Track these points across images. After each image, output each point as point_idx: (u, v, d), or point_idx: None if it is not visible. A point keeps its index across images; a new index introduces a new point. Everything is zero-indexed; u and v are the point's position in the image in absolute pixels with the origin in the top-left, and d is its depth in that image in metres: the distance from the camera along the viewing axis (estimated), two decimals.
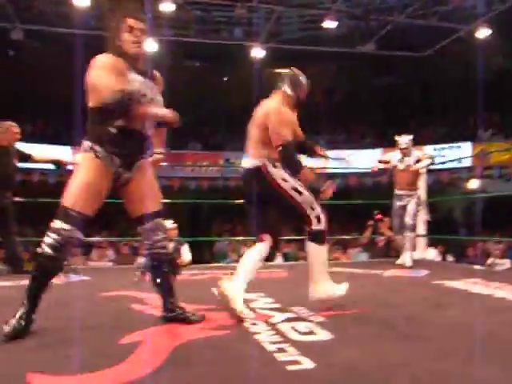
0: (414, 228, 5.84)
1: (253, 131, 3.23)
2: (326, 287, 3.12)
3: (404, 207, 5.85)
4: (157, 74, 2.94)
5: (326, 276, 3.14)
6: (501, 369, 1.97)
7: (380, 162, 6.14)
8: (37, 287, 2.53)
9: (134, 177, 2.72)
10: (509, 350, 2.24)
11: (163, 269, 2.81)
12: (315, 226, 3.11)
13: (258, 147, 3.15)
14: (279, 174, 3.07)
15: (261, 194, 3.09)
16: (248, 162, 3.20)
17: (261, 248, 3.10)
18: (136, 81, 2.63)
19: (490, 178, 14.41)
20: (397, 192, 5.96)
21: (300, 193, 3.06)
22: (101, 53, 2.70)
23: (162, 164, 3.12)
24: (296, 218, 3.13)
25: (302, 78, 3.57)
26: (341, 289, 3.17)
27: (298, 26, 16.07)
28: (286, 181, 3.06)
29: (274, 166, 3.08)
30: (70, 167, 9.26)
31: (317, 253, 3.13)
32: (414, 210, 5.79)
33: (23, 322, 2.46)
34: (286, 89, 3.41)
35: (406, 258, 5.75)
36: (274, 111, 3.16)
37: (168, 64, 15.01)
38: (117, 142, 2.61)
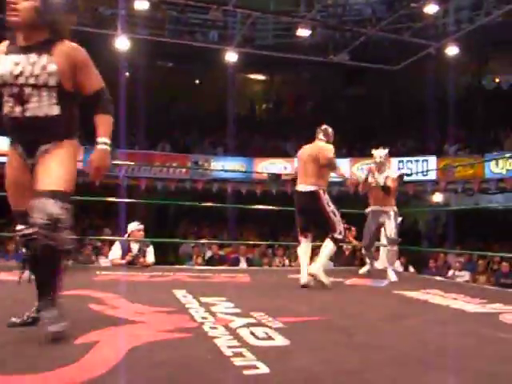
0: (396, 242, 5.65)
1: (309, 166, 4.77)
2: (322, 272, 4.55)
3: (379, 223, 5.73)
4: (65, 44, 2.55)
5: (326, 265, 4.80)
6: (455, 376, 2.02)
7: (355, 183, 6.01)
8: None
9: (37, 162, 2.46)
10: (462, 358, 2.29)
11: (37, 261, 2.45)
12: (337, 235, 4.67)
13: (314, 178, 4.73)
14: (326, 199, 4.70)
15: (312, 209, 4.72)
16: (305, 187, 4.75)
17: (308, 244, 4.88)
18: (6, 62, 2.41)
19: (454, 192, 14.74)
20: (372, 208, 5.83)
21: (335, 214, 4.70)
22: None
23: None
24: (327, 227, 4.68)
25: (330, 130, 5.22)
26: (329, 280, 4.54)
27: (273, 33, 16.17)
28: (329, 205, 4.68)
29: (324, 193, 4.71)
30: (2, 159, 9.05)
31: (330, 249, 4.69)
32: (395, 224, 5.63)
33: None
34: (322, 137, 5.08)
35: (390, 274, 5.50)
36: (328, 149, 4.87)
37: (141, 63, 14.92)
38: (9, 129, 2.48)
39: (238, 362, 2.07)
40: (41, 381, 1.82)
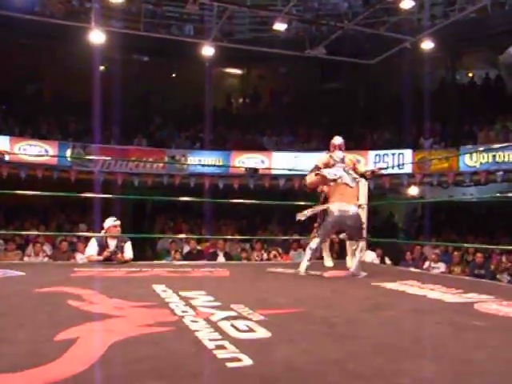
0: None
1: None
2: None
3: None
4: None
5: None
6: (431, 362, 2.07)
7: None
8: None
9: None
10: (440, 346, 2.34)
11: None
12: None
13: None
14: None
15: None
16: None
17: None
18: None
19: (430, 185, 14.94)
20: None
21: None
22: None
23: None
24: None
25: (332, 141, 5.65)
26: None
27: (249, 27, 16.13)
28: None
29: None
30: (7, 158, 8.94)
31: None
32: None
33: None
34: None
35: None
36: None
37: (116, 57, 14.74)
38: None
39: (220, 354, 2.07)
40: (24, 379, 1.79)
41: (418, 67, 15.08)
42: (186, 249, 10.86)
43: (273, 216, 14.98)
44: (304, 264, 5.15)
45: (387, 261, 10.19)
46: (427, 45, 13.04)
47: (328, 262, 6.01)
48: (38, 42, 12.99)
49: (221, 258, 9.72)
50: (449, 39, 13.78)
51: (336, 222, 5.16)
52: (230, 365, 1.94)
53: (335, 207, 5.11)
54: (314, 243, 5.22)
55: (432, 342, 2.44)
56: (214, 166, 14.12)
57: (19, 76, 11.98)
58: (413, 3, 12.21)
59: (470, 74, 18.20)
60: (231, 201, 7.89)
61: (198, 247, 10.83)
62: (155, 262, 7.84)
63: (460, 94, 16.15)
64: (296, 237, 11.24)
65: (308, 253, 5.22)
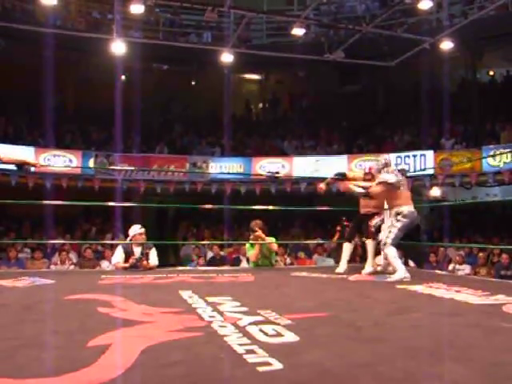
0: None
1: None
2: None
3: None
4: None
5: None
6: (461, 365, 2.06)
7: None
8: None
9: None
10: (469, 349, 2.33)
11: None
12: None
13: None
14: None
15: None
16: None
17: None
18: None
19: (452, 185, 14.78)
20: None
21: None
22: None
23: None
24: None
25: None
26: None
27: (267, 33, 16.19)
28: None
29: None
30: (33, 169, 9.11)
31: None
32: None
33: None
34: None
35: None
36: None
37: (136, 67, 14.92)
38: None
39: (250, 359, 2.10)
40: (64, 383, 1.84)
41: (437, 68, 14.93)
42: (210, 254, 10.92)
43: (295, 220, 14.97)
44: (402, 272, 4.98)
45: (411, 263, 10.09)
46: (447, 45, 12.92)
47: (342, 267, 5.89)
48: (61, 54, 13.22)
49: (244, 264, 9.75)
50: (468, 38, 13.63)
51: (411, 223, 5.18)
52: (260, 369, 1.97)
53: (409, 210, 5.13)
54: (392, 251, 5.09)
55: (461, 344, 2.43)
56: (237, 173, 14.19)
57: (42, 88, 12.25)
58: (431, 3, 12.11)
59: (491, 73, 17.99)
60: (253, 207, 7.90)
61: (222, 253, 10.88)
62: (180, 268, 7.91)
63: (481, 93, 15.95)
64: (319, 241, 11.23)
65: (396, 262, 5.08)
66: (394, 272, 5.43)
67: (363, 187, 5.55)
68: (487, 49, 15.75)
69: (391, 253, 5.08)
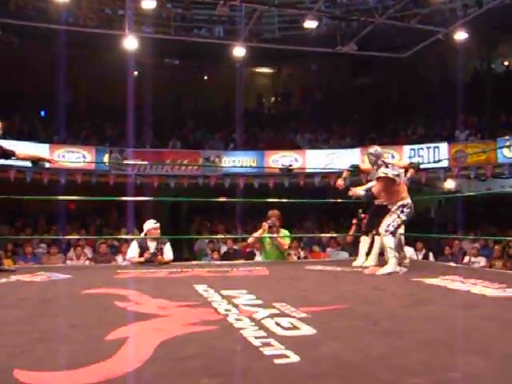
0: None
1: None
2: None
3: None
4: None
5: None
6: (478, 356, 2.05)
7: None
8: None
9: None
10: (485, 341, 2.32)
11: None
12: None
13: None
14: None
15: None
16: None
17: None
18: None
19: (467, 177, 14.65)
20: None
21: None
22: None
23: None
24: None
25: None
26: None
27: (279, 26, 16.12)
28: None
29: None
30: (47, 165, 9.22)
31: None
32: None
33: None
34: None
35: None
36: None
37: (148, 62, 14.97)
38: None
39: (267, 351, 2.11)
40: (84, 375, 1.87)
41: (450, 59, 14.77)
42: (224, 249, 10.94)
43: (309, 214, 14.94)
44: (393, 265, 4.94)
45: (431, 257, 10.04)
46: (460, 35, 12.76)
47: (360, 260, 5.89)
48: (73, 51, 13.30)
49: (258, 257, 9.75)
50: (483, 28, 13.46)
51: (412, 214, 5.18)
52: (277, 361, 1.98)
53: (410, 201, 5.15)
54: (391, 242, 5.02)
55: (478, 336, 2.42)
56: (250, 167, 14.19)
57: (56, 85, 12.35)
58: None
59: (506, 63, 17.75)
60: (266, 200, 7.90)
61: (236, 247, 10.89)
62: (194, 262, 7.94)
63: (495, 84, 15.76)
64: (333, 234, 11.21)
65: (392, 254, 4.99)
66: (407, 264, 5.42)
67: (366, 189, 5.53)
68: (502, 38, 15.56)
69: (390, 242, 5.05)
